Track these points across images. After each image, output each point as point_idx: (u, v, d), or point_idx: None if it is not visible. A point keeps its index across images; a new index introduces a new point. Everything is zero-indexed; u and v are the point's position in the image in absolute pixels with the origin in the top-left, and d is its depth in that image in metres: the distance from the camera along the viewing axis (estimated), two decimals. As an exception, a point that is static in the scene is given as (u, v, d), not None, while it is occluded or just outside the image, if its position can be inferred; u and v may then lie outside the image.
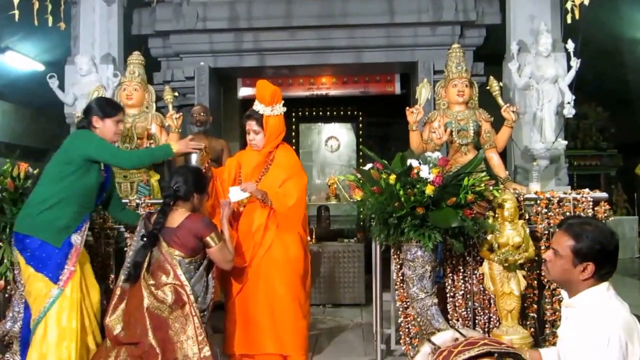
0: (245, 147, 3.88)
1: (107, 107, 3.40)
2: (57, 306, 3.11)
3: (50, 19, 4.64)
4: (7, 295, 3.77)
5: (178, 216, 3.20)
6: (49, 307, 3.11)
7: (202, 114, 5.33)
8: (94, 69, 5.95)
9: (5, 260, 3.66)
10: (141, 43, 6.52)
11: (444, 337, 2.99)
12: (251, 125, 3.70)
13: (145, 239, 3.16)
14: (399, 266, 3.60)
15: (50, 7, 4.63)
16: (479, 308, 3.62)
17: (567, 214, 3.64)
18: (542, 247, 3.57)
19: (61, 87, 5.97)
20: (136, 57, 5.02)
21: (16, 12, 4.16)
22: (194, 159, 3.42)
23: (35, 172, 3.69)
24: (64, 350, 3.10)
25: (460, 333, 2.99)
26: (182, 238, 3.13)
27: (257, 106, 3.71)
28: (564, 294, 2.23)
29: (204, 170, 3.53)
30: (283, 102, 3.76)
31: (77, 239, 3.21)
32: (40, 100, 9.11)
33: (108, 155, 3.29)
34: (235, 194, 3.56)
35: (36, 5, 4.41)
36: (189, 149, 3.48)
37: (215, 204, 3.68)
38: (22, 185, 3.62)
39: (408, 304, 3.54)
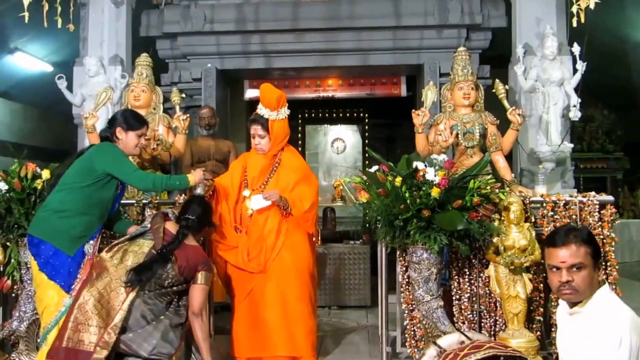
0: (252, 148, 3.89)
1: (132, 120, 3.44)
2: None
3: (60, 20, 4.70)
4: (13, 295, 3.79)
5: (186, 241, 3.20)
6: (61, 317, 3.11)
7: (210, 117, 5.40)
8: (102, 70, 5.95)
9: (13, 260, 3.67)
10: (149, 45, 6.54)
11: (449, 340, 3.00)
12: (256, 129, 3.70)
13: (160, 251, 3.09)
14: (404, 268, 3.60)
15: (59, 8, 4.67)
16: (485, 311, 3.62)
17: (574, 217, 3.64)
18: (548, 250, 3.57)
19: (69, 88, 5.98)
20: (144, 59, 5.06)
21: (26, 13, 4.18)
22: (199, 187, 3.47)
23: (42, 172, 3.70)
24: None
25: (466, 336, 3.00)
26: (183, 258, 3.10)
27: (262, 110, 3.70)
28: (562, 303, 2.19)
29: (207, 197, 3.54)
30: (288, 104, 3.77)
31: (89, 248, 3.24)
32: (48, 101, 9.18)
33: (124, 174, 3.29)
34: (257, 203, 3.57)
35: (46, 7, 4.46)
36: (203, 182, 3.49)
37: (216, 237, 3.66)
38: (29, 186, 3.62)
39: (414, 306, 3.54)
